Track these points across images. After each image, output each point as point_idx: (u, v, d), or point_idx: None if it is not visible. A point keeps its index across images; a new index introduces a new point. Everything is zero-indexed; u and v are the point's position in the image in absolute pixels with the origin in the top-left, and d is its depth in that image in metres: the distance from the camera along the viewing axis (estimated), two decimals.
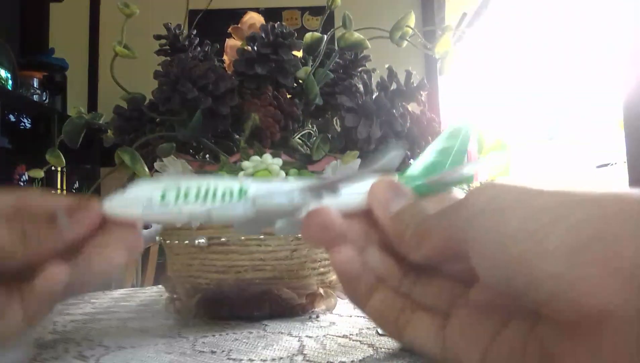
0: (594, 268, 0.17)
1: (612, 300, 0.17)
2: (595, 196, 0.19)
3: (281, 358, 0.35)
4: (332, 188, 0.27)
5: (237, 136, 0.52)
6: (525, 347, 0.20)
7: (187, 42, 0.55)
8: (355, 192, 0.28)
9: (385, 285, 0.26)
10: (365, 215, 0.27)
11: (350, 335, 0.41)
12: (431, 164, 0.29)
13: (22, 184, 2.06)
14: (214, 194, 0.27)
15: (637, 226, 0.17)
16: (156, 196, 0.27)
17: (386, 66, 0.53)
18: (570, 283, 0.17)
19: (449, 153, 0.28)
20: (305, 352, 0.36)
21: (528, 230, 0.19)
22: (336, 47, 0.53)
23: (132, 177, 0.49)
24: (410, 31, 0.54)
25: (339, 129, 0.53)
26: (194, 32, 0.57)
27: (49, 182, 2.20)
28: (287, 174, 0.46)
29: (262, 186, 0.28)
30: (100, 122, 0.53)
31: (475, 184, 0.26)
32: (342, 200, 0.28)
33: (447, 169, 0.28)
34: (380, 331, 0.40)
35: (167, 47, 0.55)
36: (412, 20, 0.53)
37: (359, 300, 0.26)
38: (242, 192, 0.27)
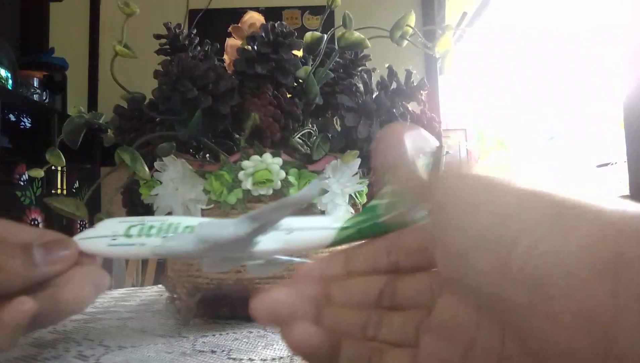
0: (558, 304, 0.15)
1: (577, 342, 0.15)
2: (572, 213, 0.16)
3: (281, 357, 0.35)
4: (271, 218, 0.27)
5: (237, 136, 0.52)
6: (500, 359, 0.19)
7: (187, 42, 0.55)
8: (313, 228, 0.28)
9: (350, 339, 0.24)
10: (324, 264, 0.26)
11: None
12: (389, 203, 0.27)
13: (22, 183, 2.05)
14: (175, 230, 0.28)
15: (615, 262, 0.15)
16: (121, 231, 0.28)
17: (386, 65, 0.53)
18: (536, 316, 0.16)
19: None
20: None
21: (493, 240, 0.17)
22: (336, 47, 0.53)
23: (132, 177, 0.49)
24: (411, 30, 0.54)
25: (339, 128, 0.52)
26: (194, 31, 0.57)
27: (49, 182, 2.20)
28: (287, 173, 0.46)
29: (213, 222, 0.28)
30: (100, 122, 0.53)
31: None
32: (302, 239, 0.28)
33: (401, 208, 0.27)
34: None
35: (167, 46, 0.55)
36: (412, 20, 0.53)
37: None
38: None
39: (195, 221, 0.29)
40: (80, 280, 0.27)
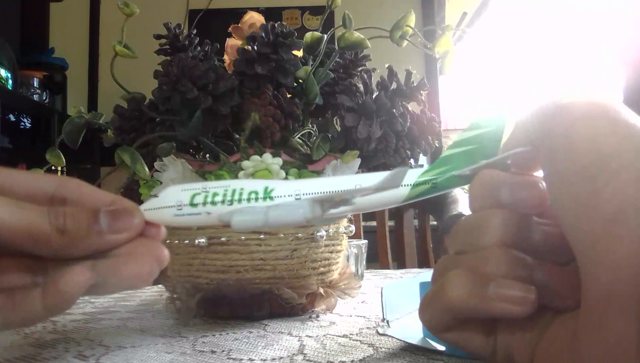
0: (621, 241, 0.17)
1: (620, 283, 0.16)
2: None
3: (281, 357, 0.35)
4: (345, 201, 0.27)
5: (237, 136, 0.52)
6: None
7: (187, 42, 0.55)
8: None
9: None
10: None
11: (350, 334, 0.41)
12: (463, 153, 0.28)
13: None
14: (240, 196, 0.28)
15: None
16: (185, 200, 0.28)
17: (386, 65, 0.53)
18: (597, 247, 0.17)
19: (482, 140, 0.27)
20: (305, 352, 0.36)
21: (592, 175, 0.18)
22: (336, 47, 0.53)
23: (132, 177, 0.49)
24: (411, 31, 0.54)
25: (339, 128, 0.52)
26: (194, 31, 0.57)
27: None
28: (287, 173, 0.46)
29: (284, 188, 0.28)
30: (100, 122, 0.53)
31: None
32: (371, 201, 0.27)
33: (479, 161, 0.27)
34: (380, 330, 0.40)
35: (167, 46, 0.55)
36: (412, 20, 0.53)
37: None
38: (267, 192, 0.28)
39: (258, 185, 0.28)
40: (143, 254, 0.26)
